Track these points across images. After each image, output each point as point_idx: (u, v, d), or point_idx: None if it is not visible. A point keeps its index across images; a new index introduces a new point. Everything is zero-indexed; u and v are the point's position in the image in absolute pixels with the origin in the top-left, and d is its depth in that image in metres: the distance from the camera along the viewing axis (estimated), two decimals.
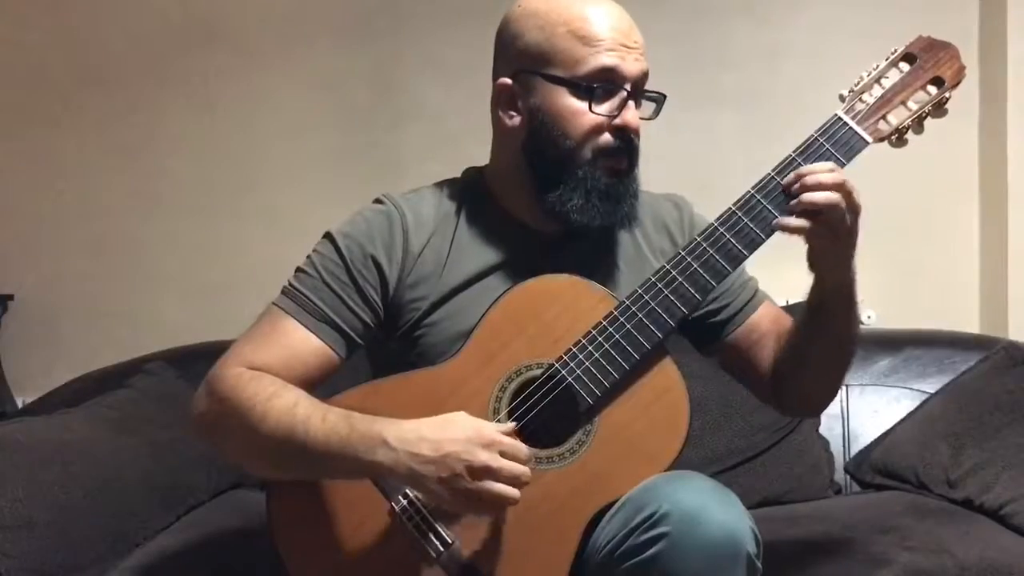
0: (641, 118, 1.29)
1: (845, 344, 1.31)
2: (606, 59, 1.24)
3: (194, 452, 1.85)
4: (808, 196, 1.18)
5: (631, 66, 1.25)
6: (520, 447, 1.13)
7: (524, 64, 1.28)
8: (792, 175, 1.20)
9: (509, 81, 1.29)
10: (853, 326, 1.30)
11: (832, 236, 1.19)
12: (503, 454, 1.11)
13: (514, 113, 1.30)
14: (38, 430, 1.71)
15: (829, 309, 1.27)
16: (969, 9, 2.39)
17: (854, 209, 1.18)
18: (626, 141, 1.27)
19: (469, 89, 2.42)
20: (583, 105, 1.25)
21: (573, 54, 1.25)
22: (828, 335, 1.29)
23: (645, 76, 1.28)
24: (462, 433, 1.12)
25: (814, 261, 1.24)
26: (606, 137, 1.27)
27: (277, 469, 1.23)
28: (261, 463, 1.23)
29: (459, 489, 1.10)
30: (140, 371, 2.07)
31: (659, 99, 1.31)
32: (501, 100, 1.31)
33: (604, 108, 1.26)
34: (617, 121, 1.26)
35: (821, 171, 1.19)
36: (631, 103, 1.27)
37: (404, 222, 1.32)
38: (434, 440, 1.11)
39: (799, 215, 1.18)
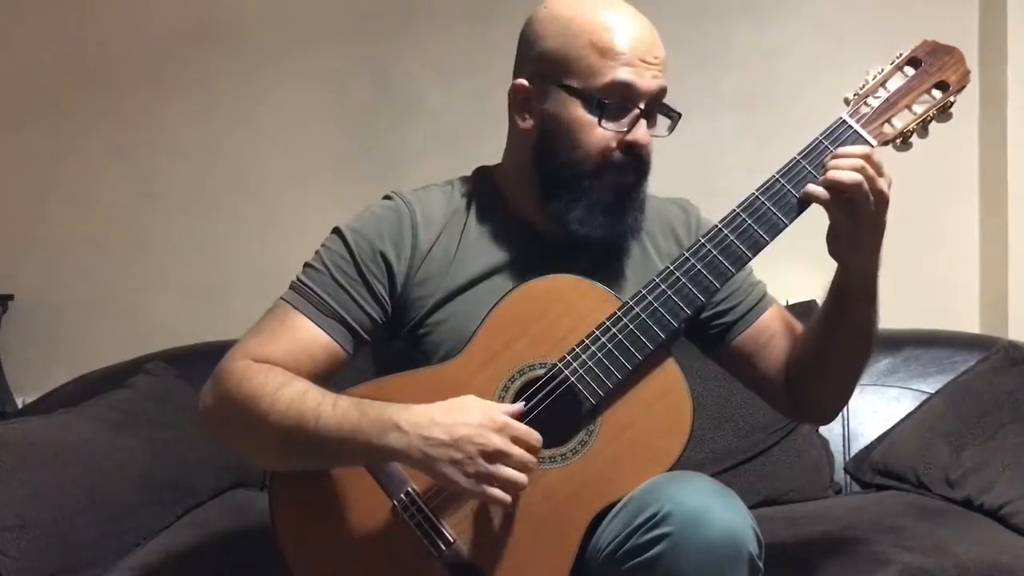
0: (655, 135, 1.28)
1: (862, 341, 1.30)
2: (622, 74, 1.23)
3: (194, 452, 1.85)
4: (833, 173, 1.18)
5: (648, 83, 1.24)
6: (531, 433, 1.14)
7: (541, 68, 1.27)
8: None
9: (526, 83, 1.29)
10: (871, 322, 1.29)
11: (853, 216, 1.18)
12: (515, 439, 1.12)
13: (528, 115, 1.30)
14: (38, 430, 1.71)
15: (848, 299, 1.26)
16: (969, 9, 2.39)
17: (877, 194, 1.18)
18: (634, 157, 1.26)
19: (469, 89, 2.42)
20: (594, 118, 1.24)
21: (590, 65, 1.24)
22: (846, 328, 1.28)
23: (662, 92, 1.27)
24: (474, 417, 1.13)
25: (834, 242, 1.23)
26: (615, 152, 1.26)
27: (287, 459, 1.23)
28: (270, 454, 1.24)
29: (471, 473, 1.11)
30: (140, 371, 2.07)
31: (675, 116, 1.30)
32: (516, 101, 1.31)
33: (615, 124, 1.25)
34: (627, 137, 1.25)
35: (850, 152, 1.19)
36: (643, 120, 1.26)
37: (413, 219, 1.32)
38: (446, 424, 1.12)
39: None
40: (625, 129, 1.25)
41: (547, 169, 1.28)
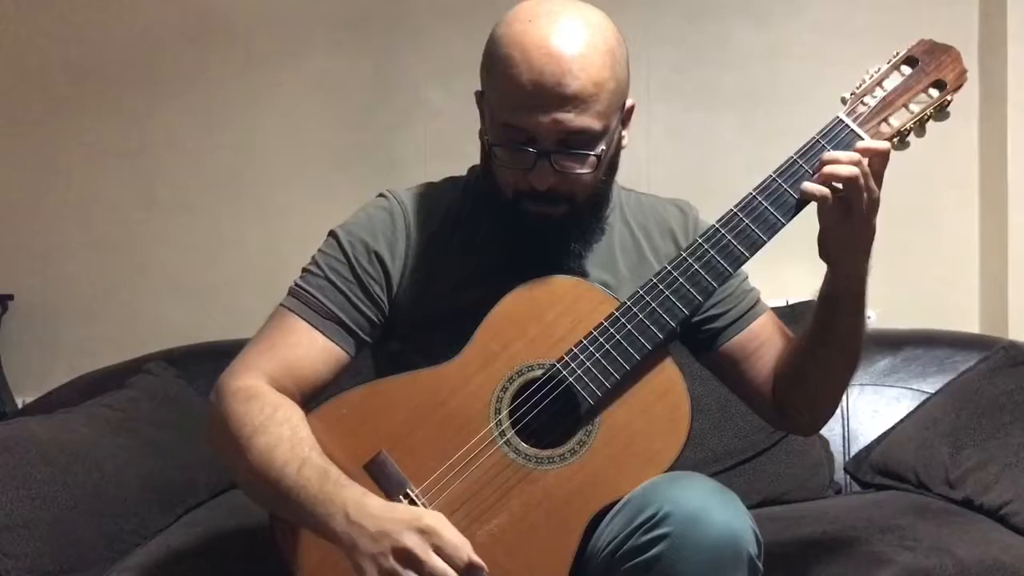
0: (568, 172, 1.19)
1: (848, 351, 1.30)
2: (512, 115, 1.17)
3: (194, 452, 1.85)
4: (830, 168, 1.17)
5: (546, 124, 1.15)
6: (458, 547, 1.07)
7: (481, 83, 1.26)
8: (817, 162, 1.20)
9: (480, 92, 1.27)
10: (858, 332, 1.28)
11: (848, 215, 1.18)
12: (438, 548, 1.06)
13: (482, 122, 1.28)
14: (38, 430, 1.71)
15: (837, 305, 1.26)
16: (969, 9, 2.39)
17: (871, 193, 1.17)
18: (545, 193, 1.21)
19: (469, 89, 2.41)
20: (496, 153, 1.22)
21: (495, 98, 1.20)
22: (833, 336, 1.27)
23: (576, 132, 1.17)
24: (404, 514, 1.09)
25: (825, 243, 1.22)
26: (524, 183, 1.21)
27: (257, 501, 1.22)
28: (245, 490, 1.23)
29: (383, 569, 1.06)
30: (140, 371, 2.08)
31: (583, 158, 1.19)
32: (478, 106, 1.30)
33: (514, 162, 1.20)
34: (527, 177, 1.20)
35: (844, 153, 1.18)
36: (541, 162, 1.18)
37: (407, 218, 1.32)
38: (378, 517, 1.09)
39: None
40: (527, 168, 1.19)
41: (487, 180, 1.28)
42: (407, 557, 1.06)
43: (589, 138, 1.19)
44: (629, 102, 1.27)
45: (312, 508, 1.12)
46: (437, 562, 1.06)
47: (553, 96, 1.15)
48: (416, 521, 1.08)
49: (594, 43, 1.17)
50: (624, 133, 1.29)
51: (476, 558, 1.08)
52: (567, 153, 1.19)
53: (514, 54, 1.16)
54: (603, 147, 1.21)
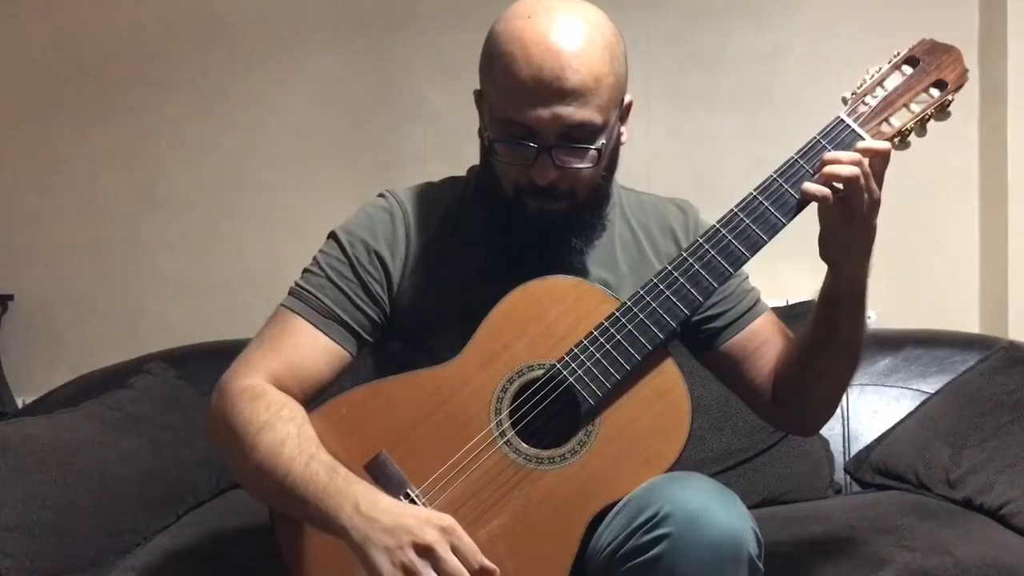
0: (568, 167, 1.20)
1: (848, 351, 1.30)
2: (513, 111, 1.18)
3: (194, 452, 1.85)
4: (831, 168, 1.17)
5: (547, 119, 1.16)
6: (475, 551, 1.09)
7: (480, 81, 1.26)
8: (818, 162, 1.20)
9: (478, 91, 1.27)
10: (858, 332, 1.29)
11: (848, 215, 1.18)
12: (455, 548, 1.08)
13: (482, 121, 1.28)
14: (38, 430, 1.71)
15: (838, 305, 1.26)
16: (969, 9, 2.39)
17: (872, 193, 1.17)
18: (547, 189, 1.21)
19: (469, 89, 2.41)
20: (496, 149, 1.22)
21: (495, 94, 1.20)
22: (833, 337, 1.27)
23: (570, 125, 1.17)
24: (423, 512, 1.10)
25: (826, 244, 1.22)
26: (525, 178, 1.22)
27: (260, 498, 1.22)
28: (248, 487, 1.23)
29: (398, 562, 1.06)
30: (140, 371, 2.07)
31: (583, 152, 1.20)
32: (477, 105, 1.30)
33: (515, 158, 1.20)
34: (529, 172, 1.20)
35: (845, 153, 1.18)
36: (542, 157, 1.19)
37: (406, 218, 1.32)
38: (396, 513, 1.09)
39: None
40: (528, 163, 1.20)
41: (487, 178, 1.28)
42: (426, 552, 1.07)
43: (589, 132, 1.20)
44: (627, 98, 1.28)
45: (319, 502, 1.12)
46: (454, 561, 1.07)
47: (553, 91, 1.16)
48: (438, 519, 1.09)
49: (592, 38, 1.18)
50: (623, 129, 1.29)
51: (488, 563, 1.09)
52: (568, 147, 1.20)
53: (513, 50, 1.17)
54: (603, 141, 1.22)
